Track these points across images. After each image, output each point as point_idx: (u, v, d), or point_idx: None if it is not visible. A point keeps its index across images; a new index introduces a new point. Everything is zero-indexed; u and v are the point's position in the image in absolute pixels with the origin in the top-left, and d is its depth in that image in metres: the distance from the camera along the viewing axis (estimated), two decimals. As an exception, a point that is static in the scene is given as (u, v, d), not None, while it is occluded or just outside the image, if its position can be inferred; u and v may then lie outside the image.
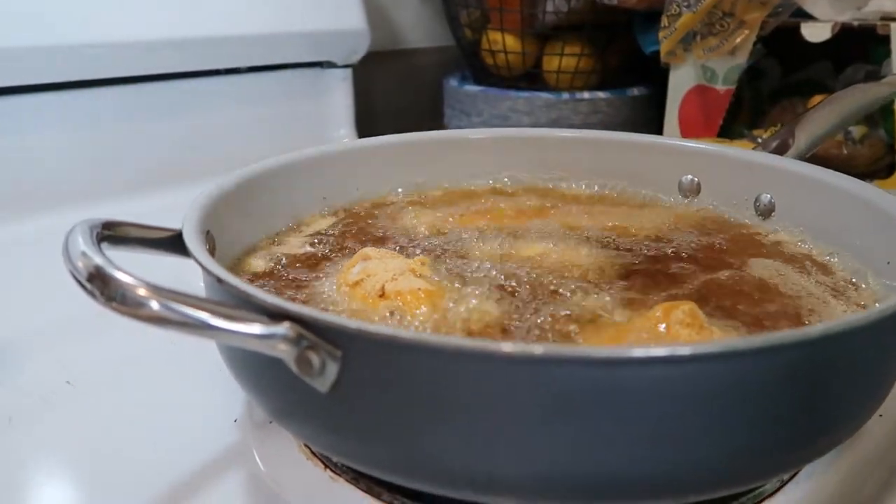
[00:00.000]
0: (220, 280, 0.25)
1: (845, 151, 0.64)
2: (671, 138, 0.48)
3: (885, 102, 0.54)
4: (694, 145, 0.46)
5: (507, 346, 0.20)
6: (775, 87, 0.80)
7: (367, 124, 0.83)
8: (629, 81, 0.84)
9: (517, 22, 0.82)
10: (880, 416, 0.32)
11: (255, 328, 0.22)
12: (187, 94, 0.66)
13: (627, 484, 0.23)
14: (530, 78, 0.85)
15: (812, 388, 0.23)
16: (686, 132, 0.74)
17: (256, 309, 0.23)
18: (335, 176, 0.45)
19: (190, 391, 0.37)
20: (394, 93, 0.93)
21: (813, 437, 0.24)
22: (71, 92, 0.59)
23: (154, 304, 0.22)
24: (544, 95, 0.82)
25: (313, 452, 0.31)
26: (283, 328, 0.22)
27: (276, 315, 0.23)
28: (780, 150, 0.45)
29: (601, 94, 0.81)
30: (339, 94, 0.78)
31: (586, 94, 0.81)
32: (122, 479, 0.31)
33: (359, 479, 0.28)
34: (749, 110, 0.79)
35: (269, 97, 0.73)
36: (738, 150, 0.45)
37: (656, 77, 0.78)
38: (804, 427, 0.24)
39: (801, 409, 0.23)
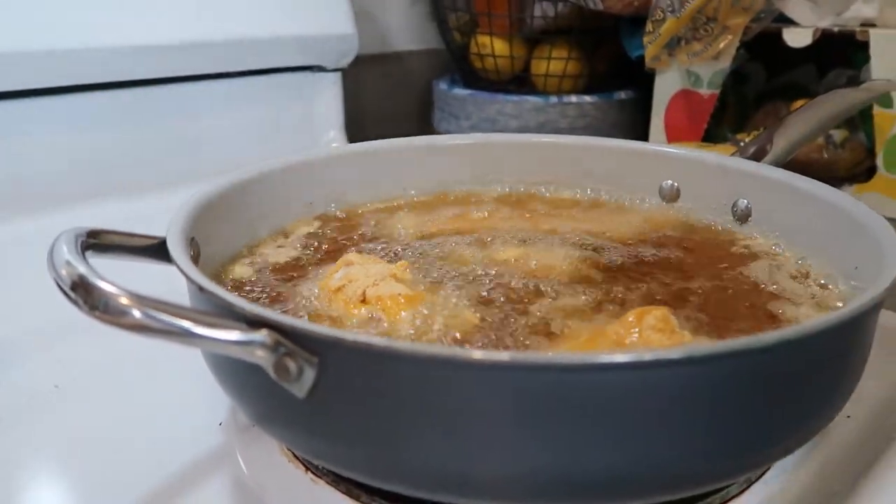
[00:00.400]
0: (201, 288, 0.25)
1: (826, 155, 0.65)
2: (651, 144, 0.48)
3: (864, 107, 0.55)
4: (673, 151, 0.47)
5: (477, 354, 0.21)
6: (760, 91, 0.82)
7: (356, 127, 0.84)
8: (616, 85, 0.84)
9: (505, 26, 0.83)
10: (848, 417, 0.33)
11: (234, 335, 0.23)
12: (178, 98, 0.67)
13: (595, 485, 0.23)
14: (519, 81, 0.86)
15: (773, 392, 0.24)
16: (671, 136, 0.75)
17: (236, 317, 0.24)
18: (320, 182, 0.45)
19: (176, 395, 0.37)
20: (383, 96, 0.94)
21: (774, 439, 0.25)
22: (62, 96, 0.60)
23: (136, 313, 0.23)
24: (532, 99, 0.83)
25: (295, 455, 0.31)
26: (261, 335, 0.23)
27: (254, 322, 0.24)
28: (758, 156, 0.46)
29: (588, 98, 0.82)
30: (328, 97, 0.78)
31: (574, 98, 0.82)
32: (108, 480, 0.31)
33: (339, 481, 0.29)
34: (734, 114, 0.80)
35: (260, 101, 0.74)
36: (715, 156, 0.46)
37: (643, 81, 0.79)
38: (766, 429, 0.25)
39: (763, 412, 0.24)
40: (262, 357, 0.23)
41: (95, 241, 0.29)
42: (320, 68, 0.77)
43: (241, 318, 0.24)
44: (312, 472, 0.30)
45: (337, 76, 0.79)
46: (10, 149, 0.58)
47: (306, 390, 0.24)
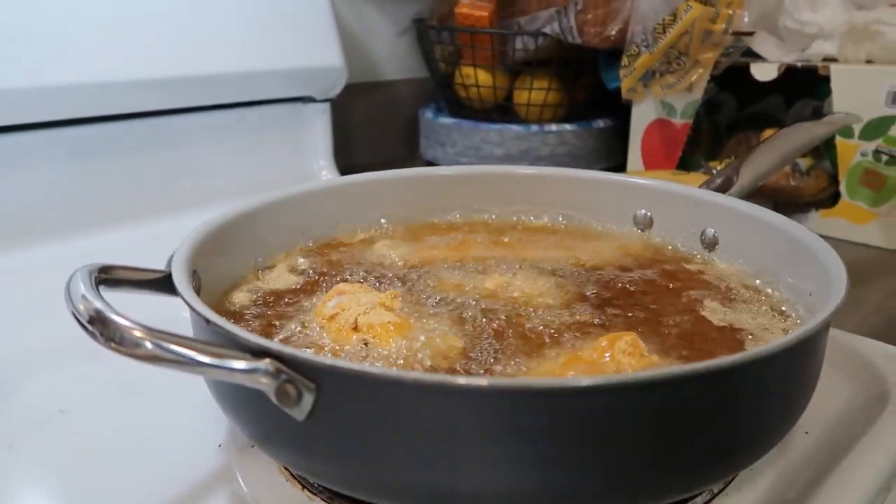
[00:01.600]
0: (207, 321, 0.28)
1: (793, 182, 0.68)
2: (625, 176, 0.51)
3: (825, 140, 0.59)
4: (646, 182, 0.50)
5: (461, 380, 0.24)
6: (732, 120, 0.85)
7: (345, 154, 0.87)
8: (595, 114, 0.88)
9: (488, 58, 0.86)
10: (806, 433, 0.36)
11: (240, 364, 0.25)
12: (173, 130, 0.69)
13: (569, 499, 0.26)
14: (502, 110, 0.89)
15: (731, 410, 0.27)
16: (648, 163, 0.79)
17: (240, 347, 0.26)
18: (313, 213, 0.48)
19: (176, 419, 0.39)
20: (371, 123, 0.97)
21: (734, 453, 0.28)
22: (61, 129, 0.62)
23: (148, 345, 0.25)
24: (515, 128, 0.86)
25: (292, 474, 0.33)
26: (264, 364, 0.25)
27: (257, 352, 0.26)
28: (725, 187, 0.49)
29: (568, 127, 0.86)
30: (318, 126, 0.81)
31: (554, 127, 0.85)
32: (113, 501, 0.33)
33: (333, 498, 0.31)
34: (707, 141, 0.83)
35: (251, 131, 0.76)
36: (685, 188, 0.48)
37: (620, 110, 0.83)
38: (726, 443, 0.27)
39: (722, 428, 0.27)
40: (265, 384, 0.25)
41: (107, 277, 0.31)
42: (310, 99, 0.80)
43: (245, 348, 0.26)
44: (309, 490, 0.32)
45: (326, 106, 0.82)
46: (12, 181, 0.60)
47: (305, 413, 0.26)
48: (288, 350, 0.25)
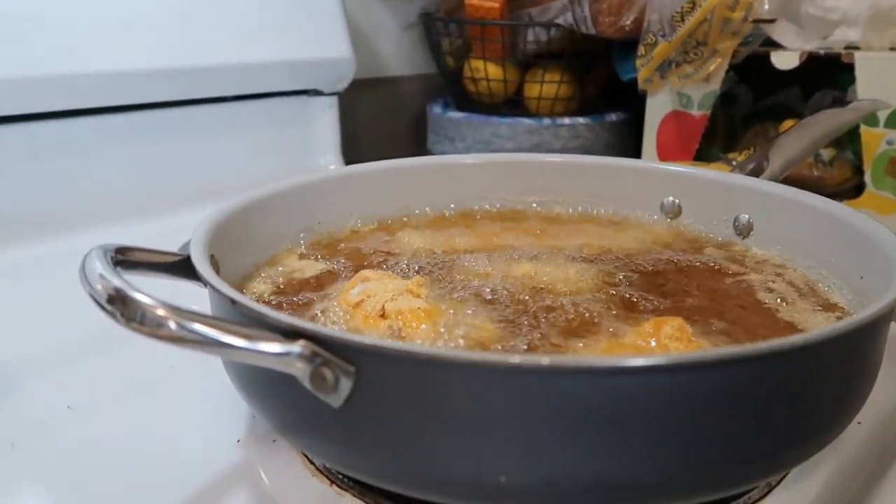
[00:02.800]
0: (233, 301, 0.26)
1: (816, 173, 0.67)
2: (652, 162, 0.50)
3: (852, 127, 0.57)
4: (674, 168, 0.48)
5: (515, 358, 0.22)
6: (748, 112, 0.84)
7: (352, 150, 0.85)
8: (608, 107, 0.86)
9: (498, 51, 0.84)
10: (859, 423, 0.34)
11: (273, 347, 0.23)
12: (180, 122, 0.67)
13: (623, 488, 0.24)
14: (512, 104, 0.87)
15: (791, 396, 0.25)
16: (663, 156, 0.77)
17: (270, 328, 0.24)
18: (330, 201, 0.46)
19: (191, 413, 0.37)
20: (378, 118, 0.95)
21: (794, 443, 0.26)
22: (65, 121, 0.60)
23: (172, 324, 0.23)
24: (526, 121, 0.84)
25: (318, 468, 0.31)
26: (299, 346, 0.23)
27: (290, 334, 0.24)
28: (756, 173, 0.47)
29: (581, 120, 0.84)
30: (325, 120, 0.79)
31: (566, 120, 0.84)
32: (128, 499, 0.31)
33: (365, 493, 0.29)
34: (723, 134, 0.82)
35: (260, 124, 0.74)
36: (716, 173, 0.47)
37: (633, 102, 0.81)
38: (787, 433, 0.25)
39: (782, 416, 0.25)
40: (299, 368, 0.23)
41: (122, 258, 0.29)
42: (318, 92, 0.78)
43: (276, 329, 0.24)
44: (337, 485, 0.30)
45: (333, 100, 0.80)
46: (18, 172, 0.58)
47: (342, 399, 0.24)
48: (325, 330, 0.24)
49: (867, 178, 0.64)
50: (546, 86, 0.84)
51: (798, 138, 0.51)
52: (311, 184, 0.46)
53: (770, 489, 0.29)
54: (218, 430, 0.36)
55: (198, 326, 0.23)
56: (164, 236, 0.40)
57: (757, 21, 0.69)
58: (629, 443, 0.23)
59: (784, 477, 0.30)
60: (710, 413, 0.23)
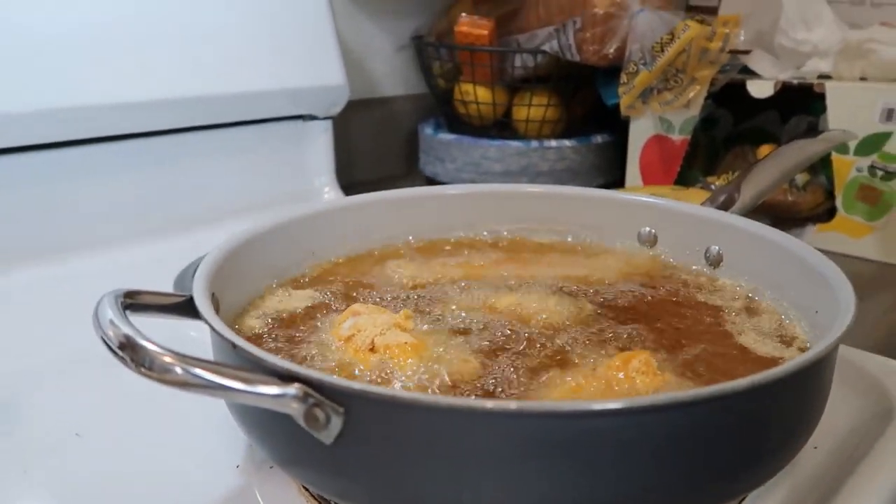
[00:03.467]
0: (234, 345, 0.28)
1: (790, 198, 0.70)
2: (630, 194, 0.52)
3: (822, 156, 0.60)
4: (650, 200, 0.51)
5: (488, 403, 0.24)
6: (728, 135, 0.87)
7: (346, 169, 0.87)
8: (593, 129, 0.89)
9: (488, 75, 0.87)
10: (815, 448, 0.37)
11: (270, 389, 0.26)
12: (180, 148, 0.69)
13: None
14: (501, 126, 0.90)
15: (744, 429, 0.27)
16: (646, 178, 0.80)
17: (268, 371, 0.27)
18: (322, 233, 0.48)
19: (193, 440, 0.40)
20: (371, 140, 0.98)
21: (747, 472, 0.28)
22: (59, 150, 0.62)
23: (178, 370, 0.26)
24: (514, 144, 0.87)
25: (312, 495, 0.34)
26: (294, 389, 0.26)
27: (285, 377, 0.26)
28: (727, 205, 0.50)
29: (567, 142, 0.87)
30: (320, 144, 0.81)
31: (553, 142, 0.86)
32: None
33: (355, 518, 0.32)
34: (704, 156, 0.84)
35: (255, 148, 0.76)
36: (688, 206, 0.49)
37: (618, 125, 0.84)
38: (739, 462, 0.28)
39: (736, 447, 0.27)
40: (294, 408, 0.26)
41: (131, 301, 0.31)
42: (312, 117, 0.80)
43: (273, 372, 0.27)
44: (330, 511, 0.33)
45: (328, 123, 0.82)
46: (19, 200, 0.60)
47: (333, 437, 0.26)
48: (316, 375, 0.26)
49: (839, 202, 0.67)
50: (533, 109, 0.87)
51: (769, 170, 0.54)
52: (305, 218, 0.48)
53: (728, 512, 0.32)
54: (218, 456, 0.38)
55: (201, 372, 0.26)
56: (160, 262, 0.42)
57: (734, 52, 0.72)
58: (592, 475, 0.25)
59: (741, 502, 0.32)
60: (655, 449, 0.25)
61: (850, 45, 0.66)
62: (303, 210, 0.48)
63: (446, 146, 0.90)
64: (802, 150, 0.56)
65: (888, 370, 0.43)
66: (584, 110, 0.90)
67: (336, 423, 0.26)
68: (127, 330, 0.27)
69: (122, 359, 0.26)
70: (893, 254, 0.65)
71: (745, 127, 0.85)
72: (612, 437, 0.25)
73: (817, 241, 0.68)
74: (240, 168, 0.75)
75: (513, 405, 0.24)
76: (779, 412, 0.29)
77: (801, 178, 0.70)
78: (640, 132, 0.79)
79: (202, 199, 0.71)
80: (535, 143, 0.87)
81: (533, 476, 0.25)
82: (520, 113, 0.89)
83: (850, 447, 0.36)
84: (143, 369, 0.26)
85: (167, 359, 0.26)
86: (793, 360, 0.28)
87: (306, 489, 0.34)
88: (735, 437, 0.27)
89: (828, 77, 0.69)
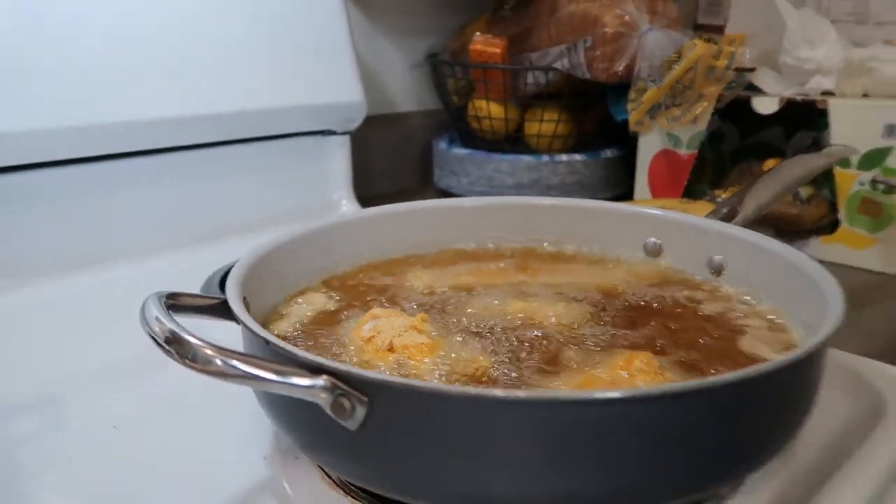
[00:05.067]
0: (267, 342, 0.31)
1: (794, 210, 0.72)
2: (635, 206, 0.55)
3: (824, 170, 0.62)
4: (655, 212, 0.53)
5: (498, 392, 0.27)
6: (734, 149, 0.89)
7: (363, 183, 0.90)
8: (602, 144, 0.92)
9: (500, 91, 0.90)
10: (809, 444, 0.39)
11: (301, 381, 0.28)
12: (203, 162, 0.73)
13: (591, 499, 0.29)
14: (513, 141, 0.93)
15: (733, 421, 0.30)
16: (655, 192, 0.82)
17: (298, 364, 0.29)
18: (344, 243, 0.51)
19: (223, 432, 0.42)
20: (387, 154, 1.01)
21: (736, 462, 0.31)
22: (86, 165, 0.65)
23: (219, 362, 0.29)
24: (526, 158, 0.90)
25: (335, 482, 0.36)
26: (322, 380, 0.28)
27: (314, 369, 0.29)
28: (730, 217, 0.52)
29: (577, 157, 0.89)
30: (338, 158, 0.84)
31: (564, 157, 0.89)
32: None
33: (376, 503, 0.34)
34: (711, 170, 0.87)
35: (274, 164, 0.79)
36: (692, 218, 0.52)
37: (627, 140, 0.87)
38: (730, 451, 0.30)
39: (726, 437, 0.30)
40: (322, 398, 0.28)
41: (173, 302, 0.34)
42: (331, 132, 0.84)
43: (303, 365, 0.29)
44: (352, 496, 0.35)
45: (346, 138, 0.85)
46: (65, 212, 0.63)
47: (357, 424, 0.29)
48: (343, 367, 0.29)
49: (841, 215, 0.69)
50: (545, 124, 0.90)
51: (772, 183, 0.56)
52: (327, 228, 0.51)
53: (722, 500, 0.34)
54: (246, 447, 0.41)
55: (238, 364, 0.29)
56: (194, 267, 0.45)
57: (739, 69, 0.74)
58: (593, 462, 0.28)
59: (736, 490, 0.35)
60: (652, 437, 0.28)
61: (852, 62, 0.69)
62: (324, 221, 0.51)
63: (460, 160, 0.93)
64: (805, 165, 0.58)
65: (881, 373, 0.45)
66: (594, 126, 0.93)
67: (360, 412, 0.29)
68: (172, 326, 0.30)
69: (168, 352, 0.29)
70: (895, 265, 0.67)
71: (751, 142, 0.87)
72: (612, 424, 0.28)
73: (821, 253, 0.70)
74: (262, 182, 0.78)
75: (521, 393, 0.26)
76: (767, 406, 0.31)
77: (805, 192, 0.72)
78: (649, 147, 0.82)
79: (226, 212, 0.74)
80: (546, 158, 0.89)
81: (538, 461, 0.28)
82: (531, 128, 0.91)
83: (841, 444, 0.38)
84: (187, 361, 0.29)
85: (209, 351, 0.29)
86: (775, 360, 0.30)
87: (329, 476, 0.37)
88: (726, 426, 0.30)
89: (831, 94, 0.71)
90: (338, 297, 0.47)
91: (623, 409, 0.28)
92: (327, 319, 0.44)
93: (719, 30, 0.84)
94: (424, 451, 0.28)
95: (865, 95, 0.70)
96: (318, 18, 0.80)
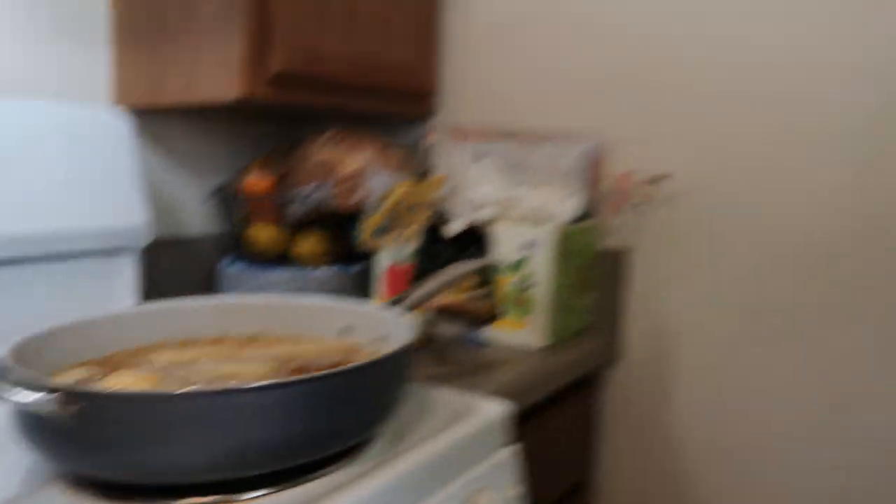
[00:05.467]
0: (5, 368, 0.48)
1: (476, 305, 0.98)
2: (332, 300, 0.77)
3: (472, 274, 0.89)
4: (346, 306, 0.76)
5: (152, 392, 0.46)
6: (446, 259, 1.16)
7: (154, 299, 1.06)
8: (352, 260, 1.16)
9: (271, 220, 1.12)
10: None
11: (33, 396, 0.46)
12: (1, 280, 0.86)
13: (236, 462, 0.48)
14: (283, 258, 1.15)
15: (321, 407, 0.51)
16: (388, 295, 1.06)
17: (31, 387, 0.47)
18: (104, 331, 0.69)
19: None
20: (178, 272, 1.18)
21: (337, 434, 0.52)
22: None
23: (-22, 388, 0.46)
24: (292, 271, 1.11)
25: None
26: (44, 394, 0.46)
27: (38, 388, 0.47)
28: (397, 303, 0.76)
29: (333, 270, 1.12)
30: (126, 275, 1.00)
31: (321, 270, 1.12)
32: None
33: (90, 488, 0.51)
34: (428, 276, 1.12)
35: (64, 280, 0.92)
36: (369, 306, 0.75)
37: (369, 257, 1.11)
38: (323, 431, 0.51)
39: (323, 419, 0.51)
40: (44, 406, 0.46)
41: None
42: (119, 251, 1.00)
43: (31, 386, 0.47)
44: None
45: (134, 257, 1.02)
46: None
47: (75, 423, 0.47)
48: (61, 384, 0.47)
49: (502, 307, 0.96)
50: (308, 244, 1.13)
51: (432, 281, 0.81)
52: (91, 320, 0.68)
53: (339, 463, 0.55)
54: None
55: (-8, 388, 0.46)
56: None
57: (439, 201, 1.02)
58: (236, 435, 0.48)
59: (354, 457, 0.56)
60: (271, 417, 0.48)
61: (506, 199, 0.99)
62: (88, 316, 0.69)
63: (237, 276, 1.13)
64: (457, 270, 0.85)
65: (470, 400, 0.69)
66: (346, 246, 1.17)
67: (75, 413, 0.47)
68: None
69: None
70: (537, 340, 0.94)
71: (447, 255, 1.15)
72: (241, 408, 0.48)
73: (494, 334, 0.96)
74: (52, 297, 0.91)
75: (175, 392, 0.46)
76: (349, 398, 0.53)
77: (482, 292, 0.99)
78: (380, 262, 1.06)
79: (14, 328, 0.87)
80: (308, 271, 1.12)
81: (198, 437, 0.47)
82: (298, 248, 1.14)
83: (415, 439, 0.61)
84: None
85: (-29, 382, 0.46)
86: (347, 366, 0.52)
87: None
88: (317, 410, 0.51)
89: (494, 220, 1.00)
90: (95, 369, 0.64)
91: (255, 395, 0.48)
92: (81, 382, 0.61)
93: (429, 173, 1.13)
94: (122, 439, 0.47)
95: (515, 222, 0.99)
96: (107, 153, 0.96)
